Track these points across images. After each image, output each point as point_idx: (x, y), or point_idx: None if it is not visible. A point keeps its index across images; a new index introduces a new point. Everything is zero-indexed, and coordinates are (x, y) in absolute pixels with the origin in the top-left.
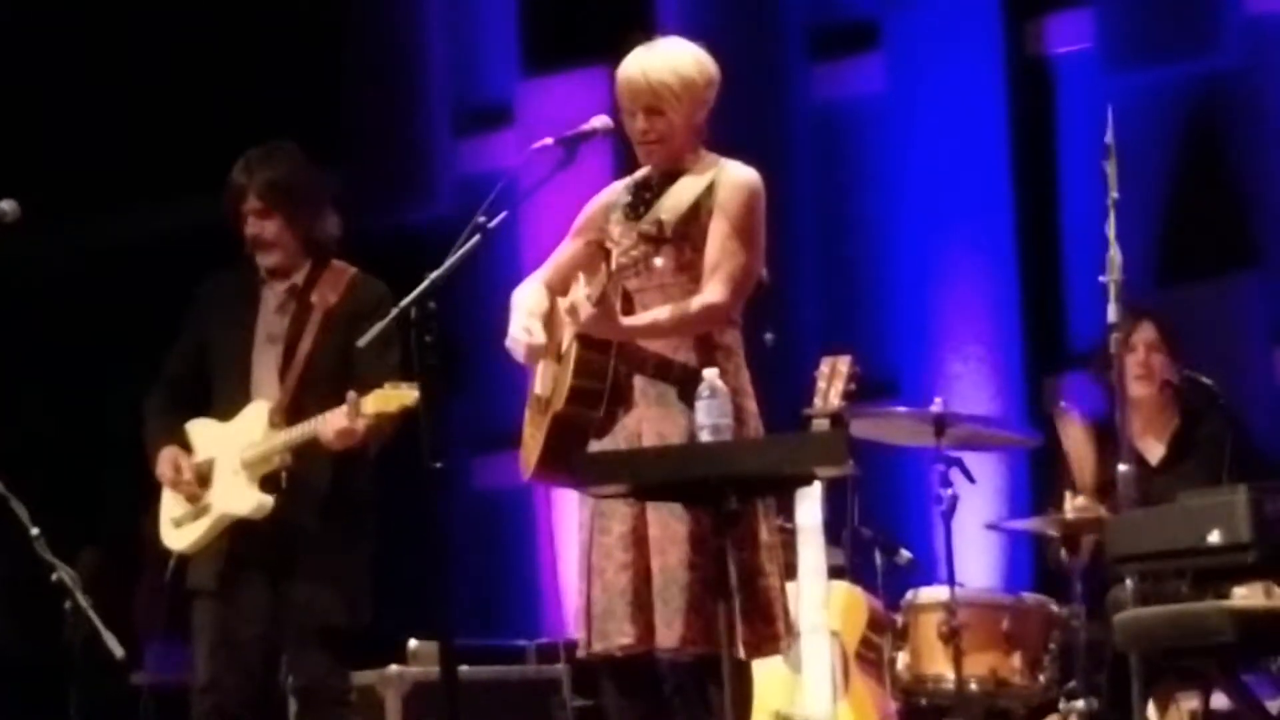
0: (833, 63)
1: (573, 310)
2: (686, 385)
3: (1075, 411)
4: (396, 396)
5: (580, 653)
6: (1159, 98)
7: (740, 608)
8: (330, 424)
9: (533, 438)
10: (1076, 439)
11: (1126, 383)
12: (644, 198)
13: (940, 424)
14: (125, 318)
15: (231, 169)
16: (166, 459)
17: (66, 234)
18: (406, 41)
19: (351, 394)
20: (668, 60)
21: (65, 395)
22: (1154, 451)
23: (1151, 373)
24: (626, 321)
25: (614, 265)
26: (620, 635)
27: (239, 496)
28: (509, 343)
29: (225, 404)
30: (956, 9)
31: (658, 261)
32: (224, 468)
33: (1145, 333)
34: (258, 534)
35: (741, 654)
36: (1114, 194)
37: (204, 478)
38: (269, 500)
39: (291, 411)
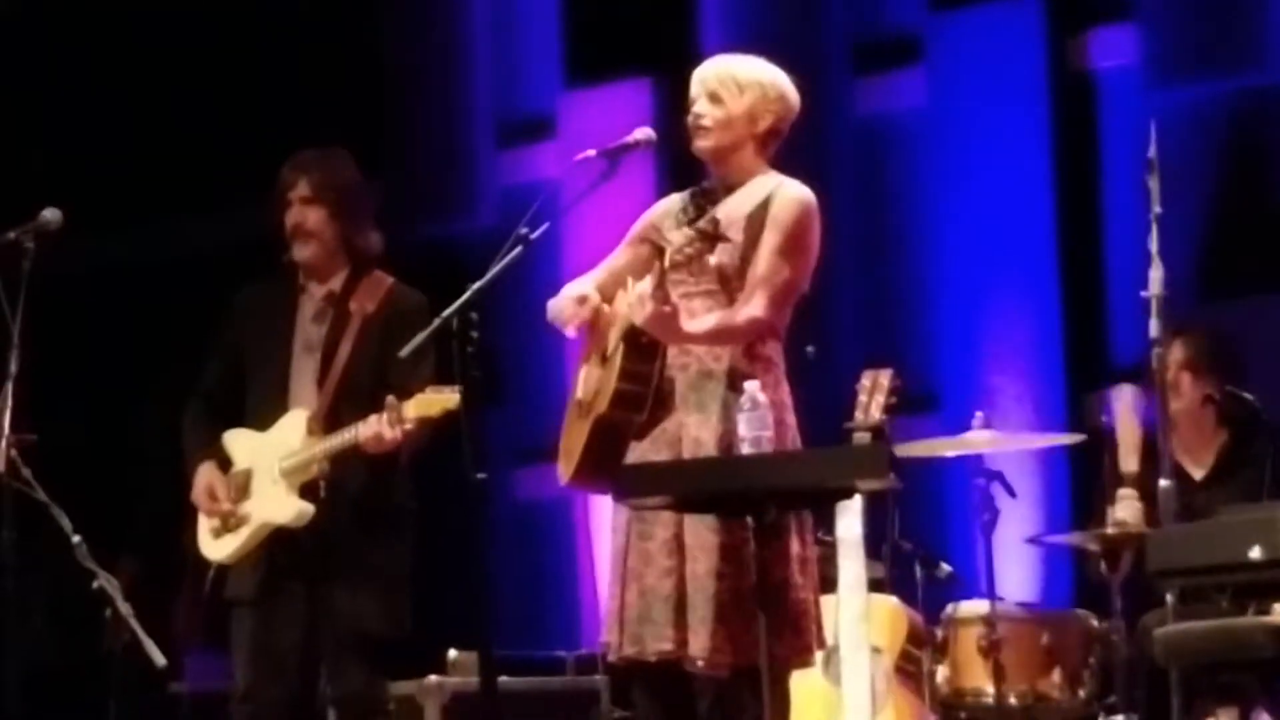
0: (875, 77)
1: (640, 302)
2: (729, 393)
3: (1129, 389)
4: (439, 400)
5: (611, 657)
6: (1202, 113)
7: (770, 620)
8: (370, 430)
9: (571, 442)
10: (1126, 415)
11: (1166, 398)
12: (700, 205)
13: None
14: (161, 327)
15: (280, 170)
16: (202, 486)
17: (103, 244)
18: (449, 53)
19: (390, 399)
20: (743, 60)
21: (101, 404)
22: (1198, 467)
23: (1179, 392)
24: (684, 325)
25: (667, 262)
26: (660, 640)
27: (279, 505)
28: (552, 308)
29: (263, 413)
30: (999, 24)
31: (711, 260)
32: (263, 477)
33: (1174, 353)
34: (297, 543)
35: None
36: (1157, 209)
37: (242, 488)
38: (309, 508)
39: (329, 419)
